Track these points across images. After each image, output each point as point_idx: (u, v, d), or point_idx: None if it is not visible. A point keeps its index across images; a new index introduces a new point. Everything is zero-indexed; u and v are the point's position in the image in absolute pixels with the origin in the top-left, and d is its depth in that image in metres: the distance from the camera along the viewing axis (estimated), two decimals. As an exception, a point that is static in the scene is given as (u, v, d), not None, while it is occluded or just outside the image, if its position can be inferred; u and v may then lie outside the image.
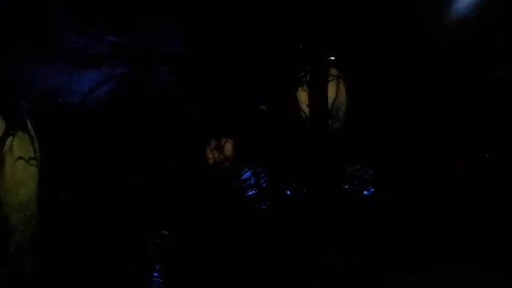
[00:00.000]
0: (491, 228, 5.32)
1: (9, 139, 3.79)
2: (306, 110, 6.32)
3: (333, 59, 6.25)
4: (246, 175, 6.61)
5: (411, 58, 5.80)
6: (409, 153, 5.80)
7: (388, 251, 5.33)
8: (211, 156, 6.49)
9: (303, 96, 6.35)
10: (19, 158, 3.84)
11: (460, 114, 5.93)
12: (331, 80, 6.27)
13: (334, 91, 6.28)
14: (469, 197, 5.63)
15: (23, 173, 3.88)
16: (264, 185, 6.57)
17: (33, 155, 3.96)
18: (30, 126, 3.99)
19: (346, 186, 6.30)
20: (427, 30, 5.49)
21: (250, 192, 6.53)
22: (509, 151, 5.64)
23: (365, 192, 6.21)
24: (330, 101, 6.27)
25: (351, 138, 6.11)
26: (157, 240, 5.83)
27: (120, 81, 5.54)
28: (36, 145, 4.02)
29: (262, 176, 6.60)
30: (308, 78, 6.31)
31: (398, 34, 5.69)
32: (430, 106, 5.99)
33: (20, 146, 3.86)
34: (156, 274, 5.58)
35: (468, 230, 5.37)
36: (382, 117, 6.03)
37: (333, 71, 6.25)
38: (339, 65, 6.19)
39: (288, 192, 6.42)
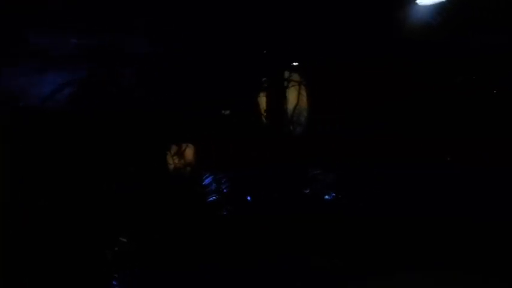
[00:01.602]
0: (475, 230, 5.47)
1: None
2: (267, 115, 6.35)
3: (295, 65, 6.31)
4: (207, 181, 6.53)
5: (375, 60, 5.94)
6: (387, 153, 5.91)
7: (372, 253, 5.38)
8: (171, 161, 6.38)
9: (264, 101, 6.37)
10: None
11: (429, 115, 6.10)
12: (293, 86, 6.32)
13: (295, 96, 6.34)
14: (454, 198, 5.78)
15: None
16: (225, 191, 6.51)
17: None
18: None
19: (307, 191, 6.33)
20: (391, 30, 5.63)
21: (211, 198, 6.45)
22: (486, 152, 5.86)
23: (326, 197, 6.25)
24: (292, 106, 6.33)
25: (314, 142, 6.16)
26: (116, 248, 5.67)
27: (83, 83, 5.41)
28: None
29: (223, 181, 6.53)
30: (269, 83, 6.34)
31: (361, 36, 5.81)
32: (395, 108, 6.13)
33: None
34: (114, 282, 5.43)
35: (452, 231, 5.50)
36: (347, 121, 6.13)
37: (295, 77, 6.31)
38: (301, 70, 6.25)
39: (249, 198, 6.39)
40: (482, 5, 5.21)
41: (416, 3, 5.38)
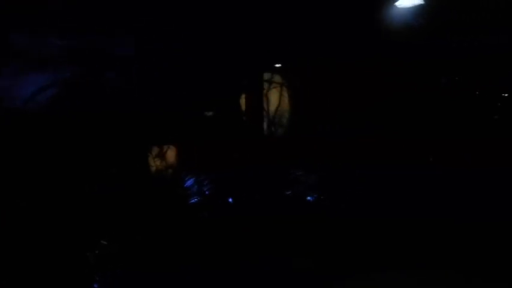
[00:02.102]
0: (459, 229, 5.54)
1: None
2: (249, 116, 6.37)
3: (277, 66, 6.34)
4: (189, 183, 6.51)
5: (356, 62, 5.99)
6: (369, 154, 5.96)
7: (355, 253, 5.41)
8: (153, 163, 6.35)
9: (246, 103, 6.39)
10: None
11: (411, 116, 6.17)
12: (275, 87, 6.36)
13: (277, 98, 6.38)
14: (436, 198, 5.85)
15: None
16: (207, 192, 6.49)
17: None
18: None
19: (289, 192, 6.34)
20: (372, 32, 5.69)
21: (193, 200, 6.42)
22: (467, 152, 5.94)
23: (309, 198, 6.27)
24: (274, 107, 6.37)
25: (296, 143, 6.18)
26: (97, 251, 5.62)
27: (66, 85, 5.38)
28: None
29: (205, 183, 6.51)
30: (251, 85, 6.36)
31: (342, 38, 5.86)
32: (378, 109, 6.19)
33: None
34: (96, 285, 5.36)
35: (435, 231, 5.56)
36: (330, 122, 6.17)
37: (277, 78, 6.35)
38: (283, 72, 6.28)
39: (230, 199, 6.38)
40: (461, 7, 5.31)
41: (396, 6, 5.45)
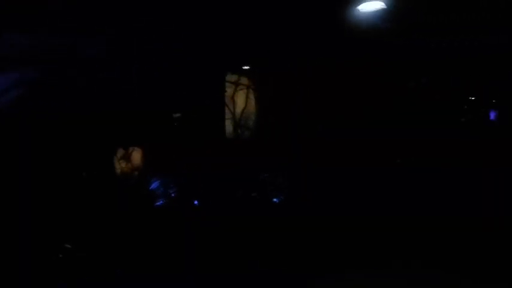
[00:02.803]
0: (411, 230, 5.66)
1: None
2: (217, 118, 6.38)
3: (245, 68, 6.37)
4: (154, 185, 6.46)
5: (321, 63, 6.07)
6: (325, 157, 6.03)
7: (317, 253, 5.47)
8: (118, 166, 6.28)
9: (214, 105, 6.40)
10: None
11: (375, 117, 6.28)
12: (241, 89, 6.39)
13: (243, 100, 6.41)
14: (401, 198, 5.96)
15: None
16: (172, 195, 6.46)
17: None
18: None
19: (254, 194, 6.37)
20: (336, 35, 5.77)
21: (159, 203, 6.38)
22: (431, 152, 6.09)
23: (275, 200, 6.32)
24: (240, 109, 6.39)
25: (263, 145, 6.22)
26: (61, 255, 5.52)
27: (31, 86, 5.27)
28: None
29: (171, 186, 6.48)
30: (218, 87, 6.37)
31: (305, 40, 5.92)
32: (345, 110, 6.27)
33: None
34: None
35: (402, 230, 5.67)
36: (296, 124, 6.23)
37: (243, 80, 6.38)
38: (250, 74, 6.31)
39: (196, 202, 6.37)
40: (427, 9, 5.46)
41: (359, 10, 5.54)
